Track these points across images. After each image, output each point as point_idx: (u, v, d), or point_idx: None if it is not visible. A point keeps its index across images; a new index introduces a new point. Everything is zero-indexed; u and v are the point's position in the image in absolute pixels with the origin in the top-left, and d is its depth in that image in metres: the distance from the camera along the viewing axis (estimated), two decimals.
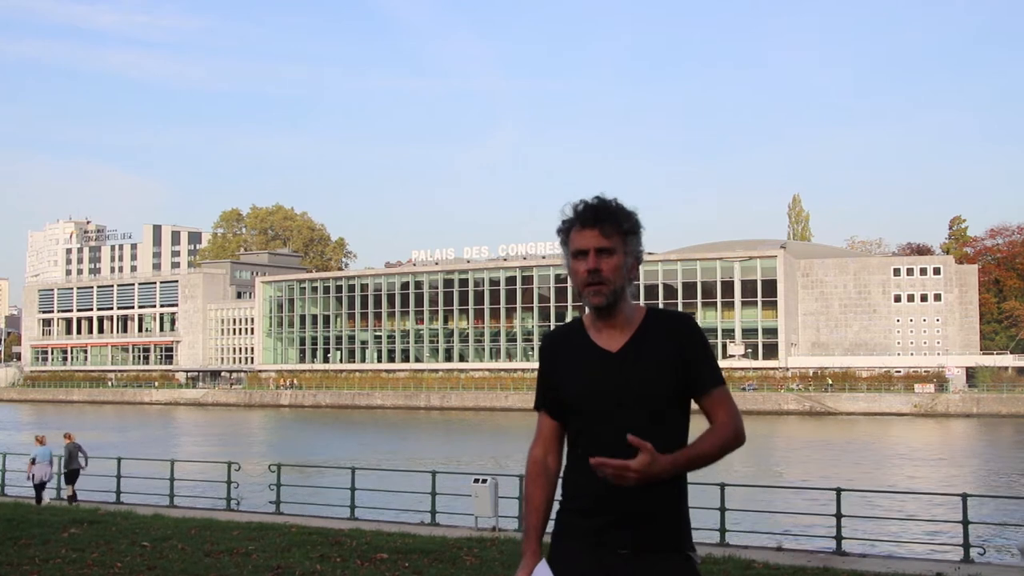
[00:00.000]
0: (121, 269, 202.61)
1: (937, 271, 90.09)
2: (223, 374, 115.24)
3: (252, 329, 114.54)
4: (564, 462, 2.93)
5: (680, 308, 74.80)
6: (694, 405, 2.87)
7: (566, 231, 2.86)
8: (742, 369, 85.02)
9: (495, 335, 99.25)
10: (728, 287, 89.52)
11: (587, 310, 2.93)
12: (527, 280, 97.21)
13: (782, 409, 76.22)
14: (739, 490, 17.67)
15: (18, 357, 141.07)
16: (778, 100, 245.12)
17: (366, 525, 14.65)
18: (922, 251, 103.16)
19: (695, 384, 2.81)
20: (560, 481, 2.91)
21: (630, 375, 2.77)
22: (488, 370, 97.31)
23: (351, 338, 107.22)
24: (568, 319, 3.00)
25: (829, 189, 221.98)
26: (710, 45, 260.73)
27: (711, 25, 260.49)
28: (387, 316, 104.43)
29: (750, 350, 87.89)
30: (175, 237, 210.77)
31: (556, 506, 2.95)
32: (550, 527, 2.92)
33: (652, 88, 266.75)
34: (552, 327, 3.12)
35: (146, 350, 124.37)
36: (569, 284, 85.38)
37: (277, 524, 14.28)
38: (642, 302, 3.02)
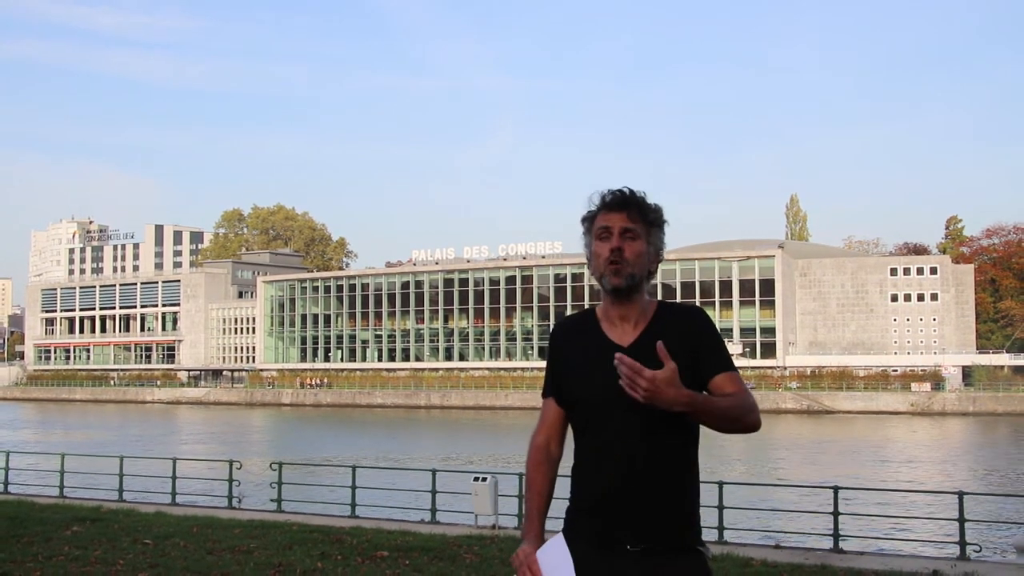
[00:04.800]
0: (123, 269, 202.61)
1: (934, 271, 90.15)
2: (224, 373, 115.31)
3: (253, 328, 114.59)
4: (573, 458, 2.86)
5: None
6: None
7: (591, 218, 2.85)
8: (740, 368, 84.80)
9: (495, 335, 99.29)
10: (726, 287, 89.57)
11: (601, 302, 2.90)
12: (527, 280, 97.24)
13: (780, 408, 76.26)
14: (737, 488, 17.78)
15: (21, 356, 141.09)
16: (777, 100, 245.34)
17: (367, 523, 14.71)
18: (919, 251, 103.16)
19: (704, 370, 2.76)
20: (570, 478, 2.87)
21: None
22: (488, 369, 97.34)
23: (352, 337, 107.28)
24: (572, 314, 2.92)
25: (827, 189, 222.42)
26: (710, 45, 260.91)
27: (711, 25, 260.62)
28: (387, 315, 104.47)
29: (748, 349, 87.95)
30: (177, 237, 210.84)
31: (565, 503, 2.89)
32: (557, 525, 2.86)
33: (651, 88, 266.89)
34: (562, 318, 3.09)
35: (148, 349, 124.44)
36: (569, 284, 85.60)
37: (278, 522, 14.34)
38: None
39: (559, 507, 2.95)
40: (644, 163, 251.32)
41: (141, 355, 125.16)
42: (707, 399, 2.67)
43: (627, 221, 2.78)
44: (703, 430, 2.84)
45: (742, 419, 2.71)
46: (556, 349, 2.93)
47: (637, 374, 2.53)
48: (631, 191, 2.83)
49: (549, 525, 2.92)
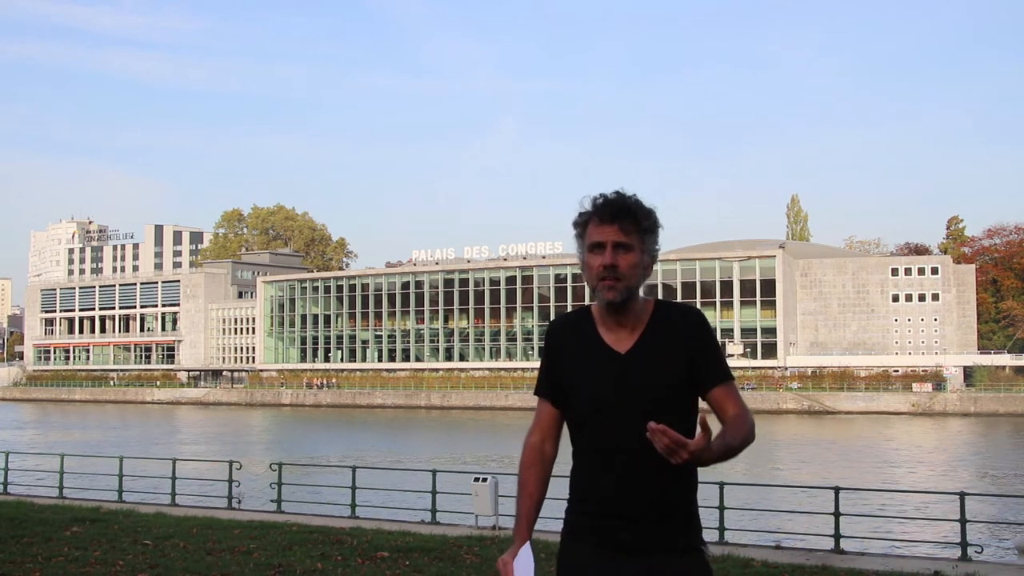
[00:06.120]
0: (123, 269, 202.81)
1: (935, 271, 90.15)
2: (224, 373, 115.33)
3: (253, 329, 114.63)
4: (572, 460, 2.86)
5: None
6: (703, 404, 2.85)
7: (583, 224, 2.81)
8: (741, 368, 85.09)
9: (495, 335, 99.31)
10: (727, 287, 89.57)
11: (597, 303, 2.89)
12: (527, 280, 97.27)
13: (781, 408, 76.31)
14: (738, 489, 17.75)
15: (21, 356, 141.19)
16: (777, 100, 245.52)
17: (367, 523, 14.71)
18: (920, 251, 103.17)
19: (702, 380, 2.78)
20: (568, 480, 2.87)
21: (638, 376, 2.75)
22: (488, 369, 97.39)
23: (352, 337, 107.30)
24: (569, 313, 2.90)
25: (827, 189, 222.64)
26: (709, 45, 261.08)
27: (710, 25, 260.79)
28: (388, 316, 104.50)
29: (749, 350, 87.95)
30: (177, 237, 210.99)
31: (562, 503, 2.90)
32: (557, 526, 2.85)
33: (652, 88, 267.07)
34: (559, 317, 3.02)
35: (148, 350, 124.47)
36: (569, 284, 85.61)
37: (278, 523, 14.34)
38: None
39: (556, 507, 2.92)
40: (645, 163, 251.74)
41: (141, 355, 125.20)
42: (727, 446, 2.65)
43: (620, 234, 2.74)
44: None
45: (748, 444, 2.74)
46: (553, 349, 2.92)
47: (680, 447, 2.49)
48: (622, 197, 2.78)
49: (544, 525, 2.90)
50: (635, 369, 2.76)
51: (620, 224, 2.75)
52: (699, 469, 2.85)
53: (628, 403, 2.72)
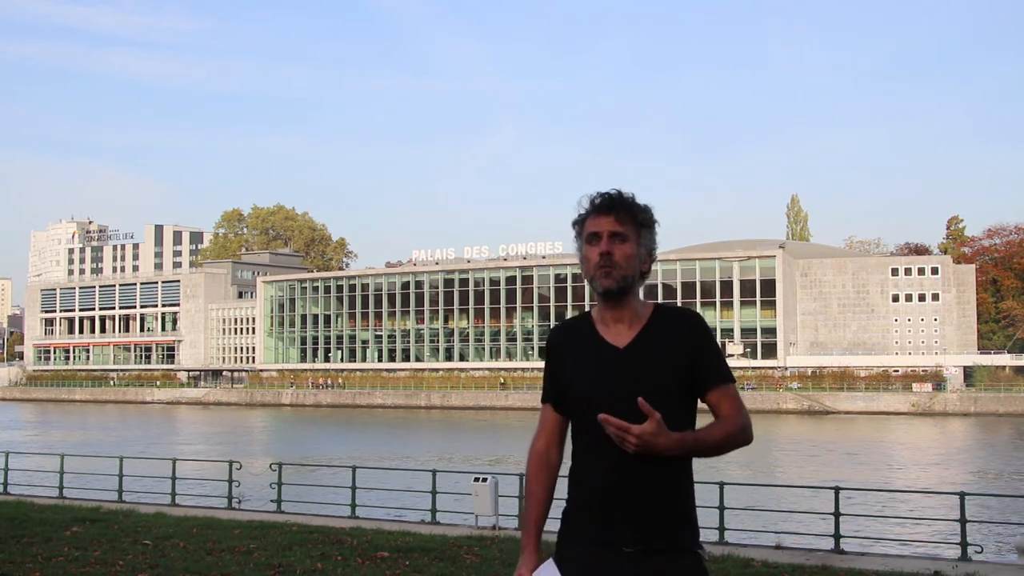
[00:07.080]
0: (123, 269, 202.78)
1: (935, 271, 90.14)
2: (224, 373, 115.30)
3: (253, 329, 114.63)
4: (571, 458, 2.87)
5: None
6: (701, 405, 2.85)
7: (581, 222, 2.85)
8: (741, 368, 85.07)
9: (495, 335, 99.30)
10: (727, 287, 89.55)
11: (596, 305, 2.90)
12: (527, 280, 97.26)
13: (781, 408, 76.30)
14: (738, 489, 17.74)
15: (21, 356, 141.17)
16: (777, 100, 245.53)
17: (367, 523, 14.72)
18: (920, 251, 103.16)
19: (701, 381, 2.78)
20: (567, 479, 2.87)
21: (636, 372, 2.75)
22: (488, 369, 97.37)
23: (352, 337, 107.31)
24: (568, 318, 2.93)
25: (827, 189, 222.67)
26: (709, 46, 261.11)
27: (710, 26, 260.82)
28: (388, 316, 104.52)
29: (749, 349, 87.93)
30: (177, 237, 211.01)
31: (561, 504, 2.89)
32: (553, 525, 2.86)
33: (652, 88, 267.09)
34: (557, 323, 3.14)
35: (148, 350, 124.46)
36: (569, 284, 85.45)
37: (278, 523, 14.35)
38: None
39: (557, 508, 2.92)
40: (645, 163, 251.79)
41: (141, 355, 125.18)
42: (697, 438, 2.71)
43: (615, 224, 2.78)
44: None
45: (733, 446, 2.79)
46: (553, 353, 2.93)
47: (625, 432, 2.61)
48: (620, 192, 2.83)
49: (547, 526, 2.90)
50: (634, 364, 2.76)
51: (615, 215, 2.80)
52: (696, 471, 2.87)
53: (626, 400, 2.70)
